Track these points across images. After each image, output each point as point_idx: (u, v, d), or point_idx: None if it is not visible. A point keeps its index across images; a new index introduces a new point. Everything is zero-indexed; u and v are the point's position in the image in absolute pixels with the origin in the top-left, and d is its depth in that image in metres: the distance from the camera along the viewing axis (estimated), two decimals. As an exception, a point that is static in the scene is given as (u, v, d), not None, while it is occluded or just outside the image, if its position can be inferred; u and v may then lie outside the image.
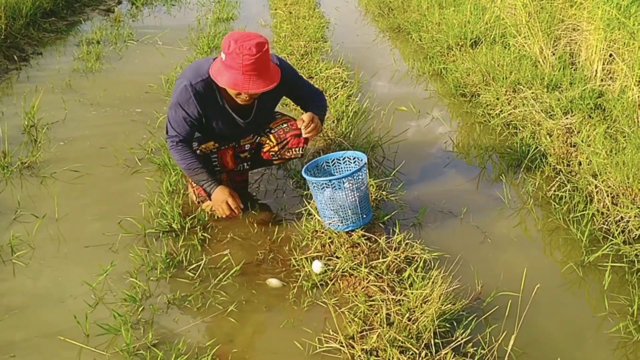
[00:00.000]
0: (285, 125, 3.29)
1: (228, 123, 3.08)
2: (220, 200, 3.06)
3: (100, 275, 2.72)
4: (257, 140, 3.33)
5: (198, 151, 3.18)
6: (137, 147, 3.92)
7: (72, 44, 6.04)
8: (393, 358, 2.32)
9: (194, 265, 2.87)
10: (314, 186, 3.02)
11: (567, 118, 4.31)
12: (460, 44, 6.01)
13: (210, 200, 3.15)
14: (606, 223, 3.33)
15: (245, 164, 3.38)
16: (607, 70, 4.78)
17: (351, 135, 4.10)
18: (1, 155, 3.67)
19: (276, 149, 3.30)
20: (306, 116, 3.07)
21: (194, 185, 3.26)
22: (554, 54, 5.24)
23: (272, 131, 3.29)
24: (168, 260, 2.88)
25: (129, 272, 2.80)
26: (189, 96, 2.91)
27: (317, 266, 2.85)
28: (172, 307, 2.64)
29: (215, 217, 3.24)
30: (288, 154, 3.31)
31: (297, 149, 3.30)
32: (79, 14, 7.06)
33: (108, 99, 4.74)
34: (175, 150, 3.03)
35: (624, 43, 4.58)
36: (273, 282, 2.82)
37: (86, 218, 3.23)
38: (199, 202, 3.30)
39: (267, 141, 3.29)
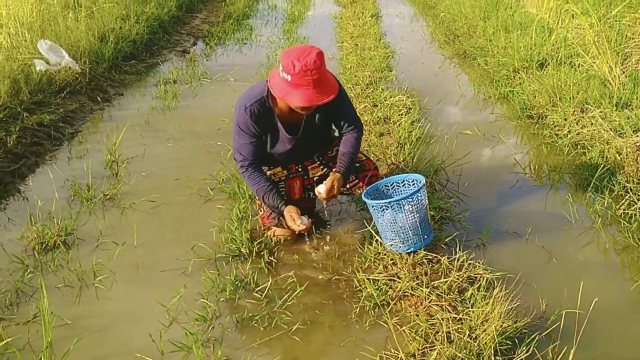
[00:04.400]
0: (357, 165, 3.40)
1: (280, 139, 3.21)
2: (289, 218, 3.18)
3: (174, 297, 2.89)
4: (326, 173, 3.44)
5: None
6: (210, 178, 4.13)
7: (151, 84, 6.42)
8: (453, 374, 2.35)
9: (260, 287, 2.99)
10: (374, 209, 3.10)
11: (637, 136, 4.21)
12: (526, 66, 5.98)
13: (276, 226, 3.34)
14: (679, 240, 3.24)
15: (311, 193, 3.46)
16: (680, 86, 4.65)
17: (414, 160, 4.16)
18: (85, 189, 3.96)
19: (348, 186, 3.43)
20: (324, 189, 3.14)
21: (261, 212, 3.41)
22: (623, 72, 5.14)
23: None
24: (237, 283, 3.02)
25: (201, 294, 2.96)
26: (247, 118, 3.08)
27: (322, 188, 3.13)
28: (240, 327, 2.77)
29: (281, 241, 3.39)
30: (358, 191, 3.44)
31: (365, 187, 3.36)
32: (157, 56, 7.49)
33: (184, 134, 5.02)
34: (245, 175, 3.20)
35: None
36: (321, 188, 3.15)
37: (162, 244, 3.44)
38: (263, 231, 3.46)
39: None
